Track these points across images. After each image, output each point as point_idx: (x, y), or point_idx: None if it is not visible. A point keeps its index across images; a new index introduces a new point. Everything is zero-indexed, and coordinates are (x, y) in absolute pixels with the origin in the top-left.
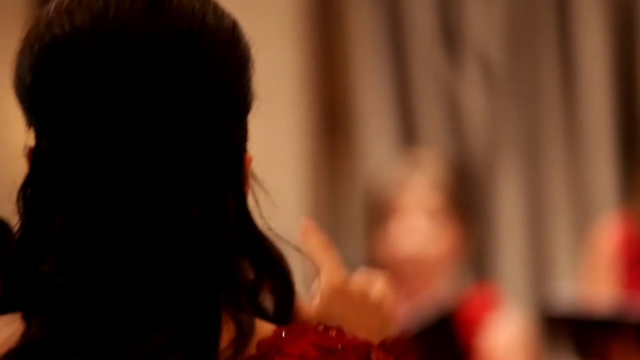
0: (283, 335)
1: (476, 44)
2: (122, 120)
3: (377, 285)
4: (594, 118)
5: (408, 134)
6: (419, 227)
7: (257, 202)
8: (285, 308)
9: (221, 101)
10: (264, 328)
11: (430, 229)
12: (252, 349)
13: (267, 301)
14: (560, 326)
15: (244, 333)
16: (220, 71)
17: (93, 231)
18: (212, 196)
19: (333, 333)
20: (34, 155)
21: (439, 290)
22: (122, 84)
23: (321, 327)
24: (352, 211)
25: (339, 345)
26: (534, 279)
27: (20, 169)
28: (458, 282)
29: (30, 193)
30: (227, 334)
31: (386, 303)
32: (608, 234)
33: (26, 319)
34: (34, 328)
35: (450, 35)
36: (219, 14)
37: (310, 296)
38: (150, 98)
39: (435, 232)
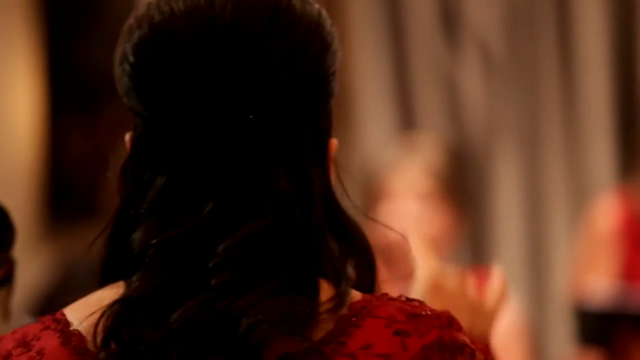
0: (372, 300)
1: (475, 29)
2: (213, 96)
3: (472, 285)
4: (592, 102)
5: (406, 118)
6: (410, 211)
7: (340, 183)
8: (366, 282)
9: (302, 82)
10: (354, 294)
11: (422, 212)
12: (345, 309)
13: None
14: (593, 321)
15: (341, 293)
16: (302, 54)
17: (186, 198)
18: (299, 171)
19: (417, 303)
20: (134, 135)
21: None
22: (212, 64)
23: (404, 298)
24: (349, 194)
25: (424, 312)
26: (531, 263)
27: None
28: (453, 265)
29: (130, 169)
30: (325, 295)
31: (490, 306)
32: (607, 214)
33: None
34: (133, 286)
35: (449, 20)
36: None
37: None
38: (236, 76)
39: (428, 215)
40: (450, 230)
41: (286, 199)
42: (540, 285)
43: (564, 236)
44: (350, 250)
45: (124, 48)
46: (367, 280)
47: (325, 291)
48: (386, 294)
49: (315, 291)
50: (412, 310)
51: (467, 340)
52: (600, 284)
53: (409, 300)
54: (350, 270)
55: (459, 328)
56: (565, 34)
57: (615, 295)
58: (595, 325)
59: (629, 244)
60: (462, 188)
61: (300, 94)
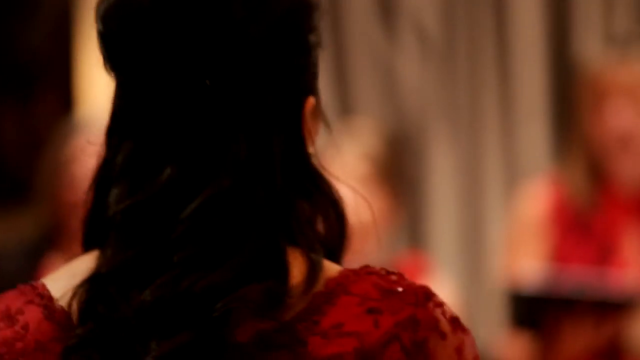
0: (349, 275)
1: (412, 15)
2: (174, 60)
3: None
4: (528, 87)
5: (343, 103)
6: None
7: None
8: (339, 243)
9: (269, 42)
10: (332, 268)
11: (359, 197)
12: (321, 286)
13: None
14: (524, 304)
15: (313, 269)
16: (270, 10)
17: (150, 164)
18: (259, 136)
19: (394, 277)
20: (112, 100)
21: (369, 257)
22: (174, 28)
23: (384, 272)
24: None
25: (400, 288)
26: (466, 247)
27: None
28: (390, 249)
29: (107, 133)
30: (297, 270)
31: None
32: (537, 198)
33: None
34: (105, 258)
35: (387, 5)
36: None
37: None
38: (197, 39)
39: (365, 200)
40: (387, 215)
41: (245, 165)
42: (474, 269)
43: (498, 220)
44: (322, 209)
45: (95, 16)
46: (339, 240)
47: (297, 264)
48: (366, 267)
49: (284, 268)
50: (388, 287)
51: (443, 318)
52: (531, 267)
53: (388, 273)
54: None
55: (439, 304)
56: (502, 19)
57: (546, 279)
58: (527, 309)
59: (559, 228)
60: (398, 173)
61: (266, 54)
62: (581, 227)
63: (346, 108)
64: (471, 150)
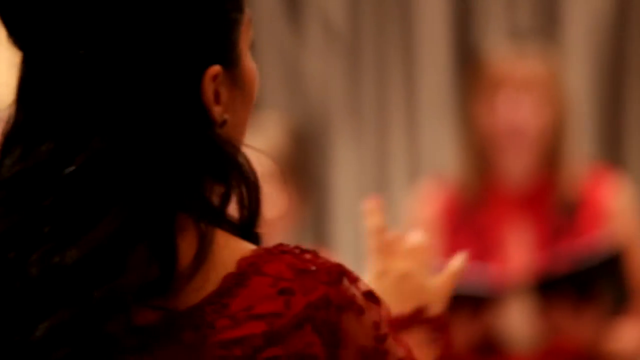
0: (262, 255)
1: (318, 8)
2: (54, 31)
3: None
4: (433, 82)
5: None
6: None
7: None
8: (251, 218)
9: (150, 10)
10: (244, 247)
11: (265, 193)
12: (231, 267)
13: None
14: None
15: (203, 243)
16: None
17: (33, 135)
18: (137, 103)
19: (308, 256)
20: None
21: None
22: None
23: (298, 250)
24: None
25: (313, 267)
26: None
27: None
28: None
29: (12, 103)
30: (186, 243)
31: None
32: (430, 198)
33: None
34: None
35: (293, 0)
36: None
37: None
38: (76, 8)
39: (270, 196)
40: (292, 211)
41: (119, 131)
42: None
43: (402, 217)
44: (234, 185)
45: None
46: (252, 216)
47: (187, 235)
48: (280, 245)
49: (171, 248)
50: (302, 266)
51: (358, 294)
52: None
53: (302, 252)
54: (234, 208)
55: (353, 280)
56: (407, 15)
57: None
58: None
59: (449, 226)
60: (303, 169)
61: (145, 20)
62: (468, 223)
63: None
64: (376, 146)
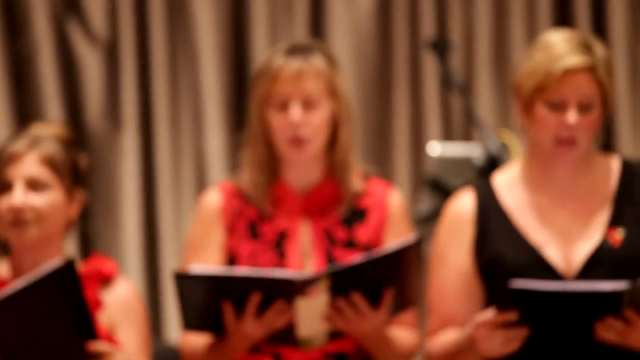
0: None
1: (83, 18)
2: None
3: None
4: (211, 93)
5: (24, 108)
6: (18, 199)
7: None
8: None
9: None
10: None
11: (41, 201)
12: None
13: None
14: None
15: None
16: None
17: None
18: None
19: None
20: None
21: (54, 259)
22: None
23: None
24: None
25: None
26: (147, 247)
27: None
28: (72, 252)
29: None
30: None
31: None
32: (212, 200)
33: None
34: None
35: (62, 10)
36: None
37: None
38: None
39: (46, 204)
40: (67, 219)
41: None
42: (155, 269)
43: (174, 222)
44: None
45: None
46: None
47: None
48: None
49: None
50: None
51: None
52: (205, 267)
53: None
54: None
55: None
56: (180, 29)
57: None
58: (195, 292)
59: (236, 231)
60: (78, 177)
61: None
62: (255, 229)
63: (27, 113)
64: (151, 154)
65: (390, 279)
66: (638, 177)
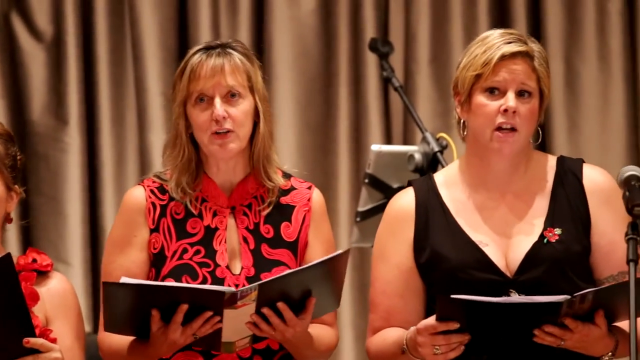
0: None
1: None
2: None
3: None
4: (153, 92)
5: None
6: None
7: None
8: None
9: None
10: None
11: None
12: None
13: None
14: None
15: None
16: None
17: None
18: None
19: None
20: None
21: None
22: None
23: None
24: None
25: None
26: (92, 244)
27: None
28: (16, 247)
29: None
30: None
31: None
32: (138, 195)
33: None
34: None
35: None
36: None
37: None
38: None
39: None
40: (4, 214)
41: None
42: (98, 262)
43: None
44: None
45: None
46: None
47: None
48: None
49: None
50: None
51: None
52: (136, 280)
53: None
54: None
55: None
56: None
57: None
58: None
59: (154, 228)
60: (17, 172)
61: None
62: (181, 226)
63: None
64: (93, 151)
65: (314, 288)
66: (574, 174)
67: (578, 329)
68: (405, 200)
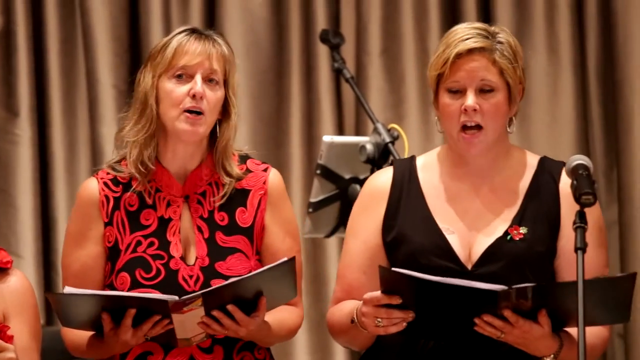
0: None
1: None
2: None
3: None
4: (104, 84)
5: None
6: None
7: None
8: None
9: None
10: None
11: None
12: None
13: None
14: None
15: None
16: None
17: None
18: None
19: None
20: None
21: None
22: None
23: None
24: None
25: None
26: (44, 237)
27: None
28: None
29: None
30: None
31: None
32: (91, 188)
33: None
34: None
35: None
36: None
37: None
38: None
39: None
40: None
41: None
42: (50, 256)
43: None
44: None
45: None
46: None
47: None
48: None
49: None
50: None
51: None
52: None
53: None
54: None
55: None
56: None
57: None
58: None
59: (109, 221)
60: None
61: None
62: (135, 217)
63: None
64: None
65: (264, 289)
66: (552, 176)
67: (519, 323)
68: (381, 179)
